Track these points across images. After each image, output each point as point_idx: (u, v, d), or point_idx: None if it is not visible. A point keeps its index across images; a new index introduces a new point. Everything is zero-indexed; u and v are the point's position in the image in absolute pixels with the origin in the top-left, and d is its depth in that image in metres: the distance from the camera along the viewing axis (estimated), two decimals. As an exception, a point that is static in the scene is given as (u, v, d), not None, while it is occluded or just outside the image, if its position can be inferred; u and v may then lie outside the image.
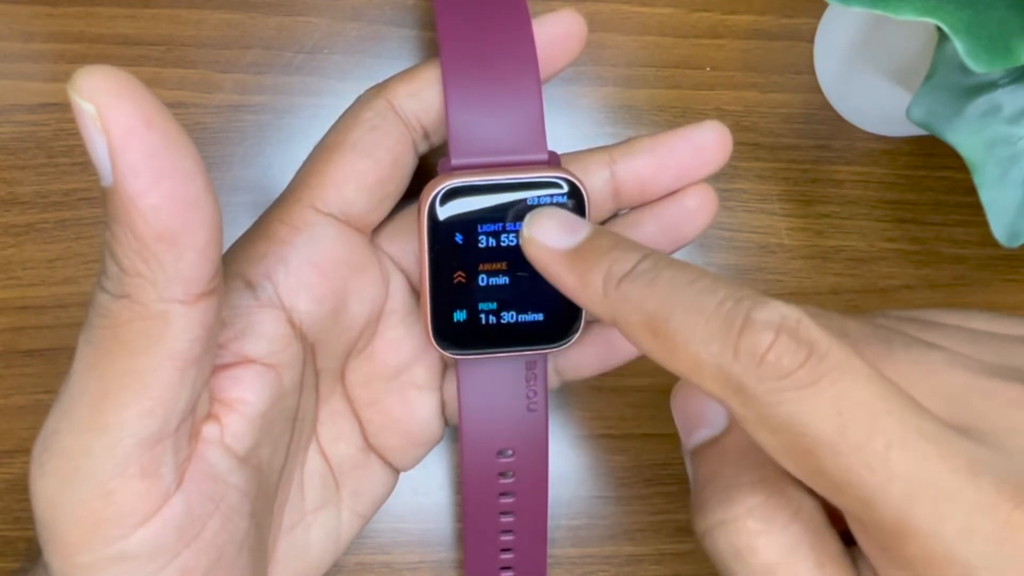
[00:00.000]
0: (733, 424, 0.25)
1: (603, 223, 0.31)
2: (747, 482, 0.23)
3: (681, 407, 0.26)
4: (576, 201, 0.27)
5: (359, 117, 0.27)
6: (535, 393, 0.30)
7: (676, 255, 0.32)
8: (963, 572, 0.19)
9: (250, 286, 0.26)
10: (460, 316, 0.28)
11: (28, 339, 0.35)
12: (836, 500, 0.20)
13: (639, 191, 0.30)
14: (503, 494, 0.31)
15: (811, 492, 0.22)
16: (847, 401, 0.19)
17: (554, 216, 0.26)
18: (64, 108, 0.35)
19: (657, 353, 0.22)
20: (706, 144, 0.29)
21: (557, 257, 0.25)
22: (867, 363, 0.20)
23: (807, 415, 0.19)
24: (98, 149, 0.19)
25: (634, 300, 0.22)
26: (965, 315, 0.26)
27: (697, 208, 0.30)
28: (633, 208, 0.31)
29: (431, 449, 0.32)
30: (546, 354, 0.30)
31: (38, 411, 0.35)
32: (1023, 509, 0.19)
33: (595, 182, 0.29)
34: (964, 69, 0.26)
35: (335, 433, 0.30)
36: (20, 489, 0.36)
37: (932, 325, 0.24)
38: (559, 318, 0.28)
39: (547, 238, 0.25)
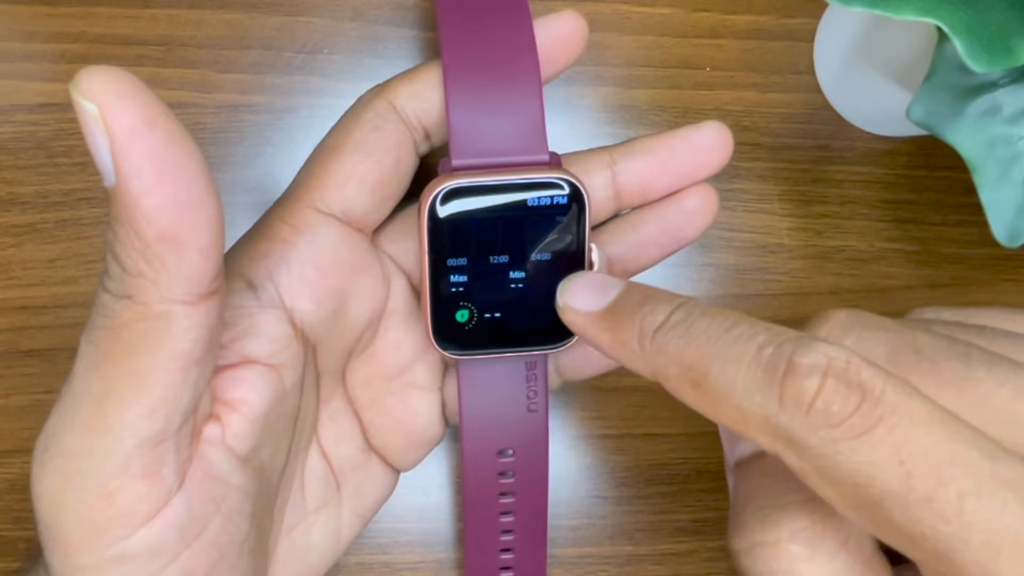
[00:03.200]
0: None
1: (604, 223, 0.31)
2: (793, 502, 0.21)
3: None
4: (577, 202, 0.27)
5: (360, 118, 0.27)
6: (535, 393, 0.30)
7: (677, 255, 0.32)
8: None
9: (252, 286, 0.26)
10: (460, 317, 0.28)
11: (28, 339, 0.35)
12: (911, 553, 0.19)
13: (640, 192, 0.30)
14: (503, 494, 0.31)
15: None
16: (909, 448, 0.18)
17: (583, 279, 0.25)
18: (64, 108, 0.35)
19: (701, 406, 0.21)
20: (707, 144, 0.29)
21: (592, 320, 0.24)
22: (929, 403, 0.18)
23: (867, 466, 0.18)
24: (101, 149, 0.19)
25: (670, 353, 0.21)
26: (1018, 316, 0.24)
27: (698, 208, 0.30)
28: (634, 208, 0.31)
29: (432, 449, 0.32)
30: (546, 355, 0.30)
31: (38, 411, 0.35)
32: None
33: (596, 183, 0.29)
34: (964, 69, 0.26)
35: (336, 434, 0.30)
36: (20, 489, 0.36)
37: (1001, 334, 0.22)
38: (560, 318, 0.28)
39: (579, 303, 0.25)
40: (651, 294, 0.23)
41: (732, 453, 0.25)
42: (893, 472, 0.18)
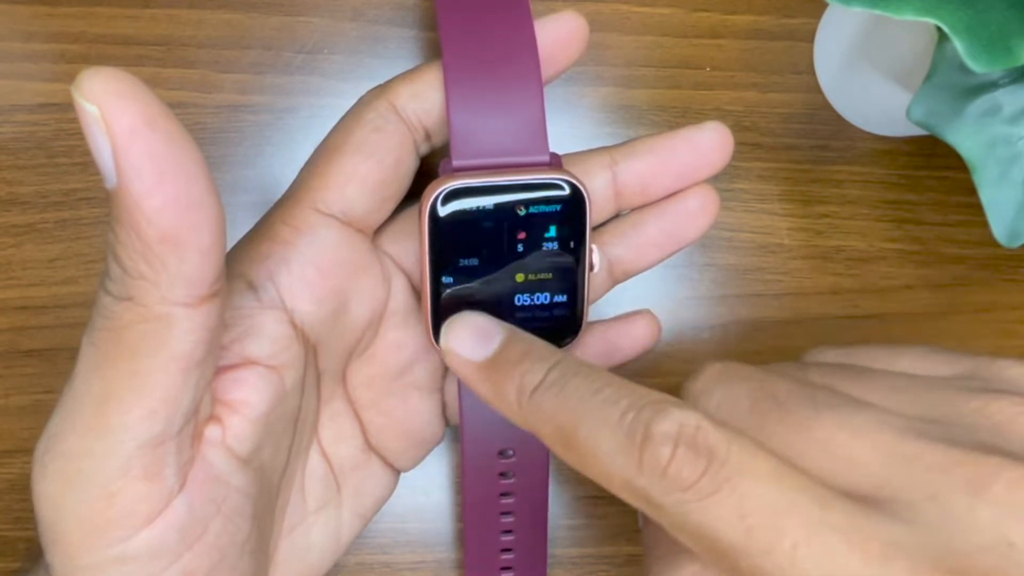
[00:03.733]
0: None
1: (604, 224, 0.31)
2: (684, 550, 0.23)
3: None
4: (577, 203, 0.27)
5: (361, 118, 0.27)
6: (536, 393, 0.30)
7: (677, 255, 0.32)
8: None
9: (252, 287, 0.26)
10: (461, 317, 0.28)
11: (28, 339, 0.35)
12: None
13: (640, 192, 0.30)
14: (503, 494, 0.31)
15: None
16: (749, 504, 0.19)
17: (468, 325, 0.26)
18: (64, 108, 0.35)
19: (572, 463, 0.22)
20: (707, 145, 0.29)
21: (473, 368, 0.25)
22: (771, 459, 0.20)
23: (713, 522, 0.20)
24: (102, 150, 0.19)
25: (545, 412, 0.23)
26: (895, 353, 0.26)
27: (699, 209, 0.30)
28: (635, 209, 0.31)
29: (432, 450, 0.32)
30: (547, 355, 0.30)
31: (38, 411, 0.35)
32: None
33: (596, 183, 0.29)
34: (964, 69, 0.26)
35: (336, 434, 0.30)
36: (20, 489, 0.36)
37: (863, 373, 0.24)
38: (559, 319, 0.28)
39: (463, 350, 0.26)
40: (529, 350, 0.25)
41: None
42: (735, 528, 0.20)
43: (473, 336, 0.26)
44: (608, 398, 0.22)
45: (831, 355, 0.27)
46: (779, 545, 0.19)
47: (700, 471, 0.20)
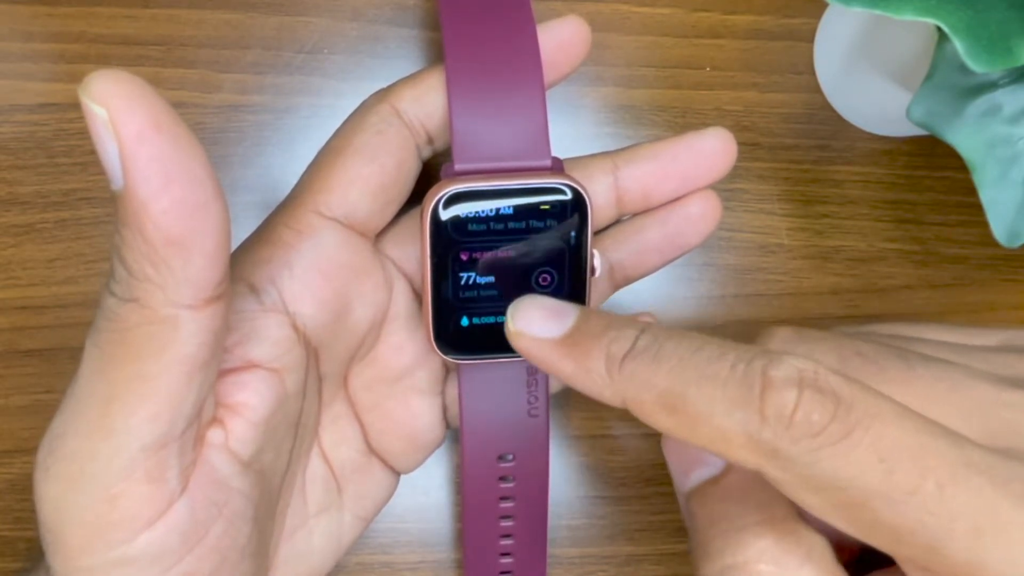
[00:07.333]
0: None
1: (606, 228, 0.31)
2: (755, 522, 0.22)
3: (674, 448, 0.25)
4: (579, 208, 0.27)
5: (364, 122, 0.27)
6: (536, 398, 0.30)
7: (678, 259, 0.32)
8: None
9: (254, 291, 0.26)
10: (462, 321, 0.28)
11: (28, 339, 0.35)
12: (898, 551, 0.20)
13: (642, 197, 0.30)
14: (503, 498, 0.31)
15: (820, 530, 0.22)
16: (885, 445, 0.19)
17: (537, 305, 0.24)
18: (64, 108, 0.35)
19: (678, 430, 0.21)
20: (710, 151, 0.29)
21: (549, 347, 0.23)
22: (892, 401, 0.19)
23: (849, 468, 0.19)
24: (109, 153, 0.19)
25: (641, 379, 0.21)
26: (916, 327, 0.25)
27: (701, 214, 0.30)
28: (636, 214, 0.31)
29: (432, 452, 0.32)
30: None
31: (38, 411, 0.35)
32: None
33: (598, 188, 0.29)
34: (964, 69, 0.26)
35: (337, 437, 0.30)
36: (20, 489, 0.36)
37: (915, 341, 0.24)
38: None
39: (534, 329, 0.24)
40: (612, 320, 0.23)
41: (685, 481, 0.25)
42: (875, 471, 0.19)
43: (544, 314, 0.24)
44: (712, 355, 0.20)
45: (875, 328, 0.26)
46: (923, 486, 0.18)
47: (830, 415, 0.19)
